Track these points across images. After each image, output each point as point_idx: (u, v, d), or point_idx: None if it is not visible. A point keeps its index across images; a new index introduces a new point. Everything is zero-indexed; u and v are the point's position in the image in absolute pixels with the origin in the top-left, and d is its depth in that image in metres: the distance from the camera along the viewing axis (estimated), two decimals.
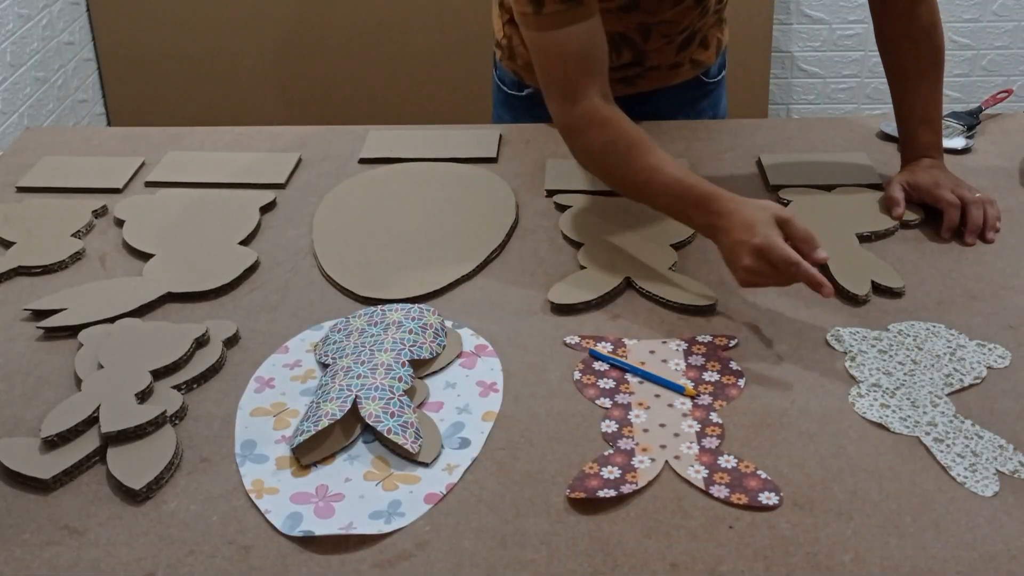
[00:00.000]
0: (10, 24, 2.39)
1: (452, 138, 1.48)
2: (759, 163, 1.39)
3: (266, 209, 1.32)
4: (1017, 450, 0.90)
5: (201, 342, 1.04)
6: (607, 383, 0.99)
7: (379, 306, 1.09)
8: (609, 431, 0.93)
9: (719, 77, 1.54)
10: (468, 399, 0.98)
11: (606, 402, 0.97)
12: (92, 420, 0.93)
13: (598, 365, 1.02)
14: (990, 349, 1.02)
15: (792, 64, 2.98)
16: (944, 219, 1.22)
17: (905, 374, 0.99)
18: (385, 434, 0.91)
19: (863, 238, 1.21)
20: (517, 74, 1.51)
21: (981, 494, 0.85)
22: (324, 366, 1.02)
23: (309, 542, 0.83)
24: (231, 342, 1.06)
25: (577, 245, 1.21)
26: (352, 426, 0.93)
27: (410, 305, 1.09)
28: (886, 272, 1.14)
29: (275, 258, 1.22)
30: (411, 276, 1.16)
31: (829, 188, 1.32)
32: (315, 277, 1.18)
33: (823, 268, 1.15)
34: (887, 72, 1.30)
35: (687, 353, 1.03)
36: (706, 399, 0.97)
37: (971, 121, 1.46)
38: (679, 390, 0.98)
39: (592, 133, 1.15)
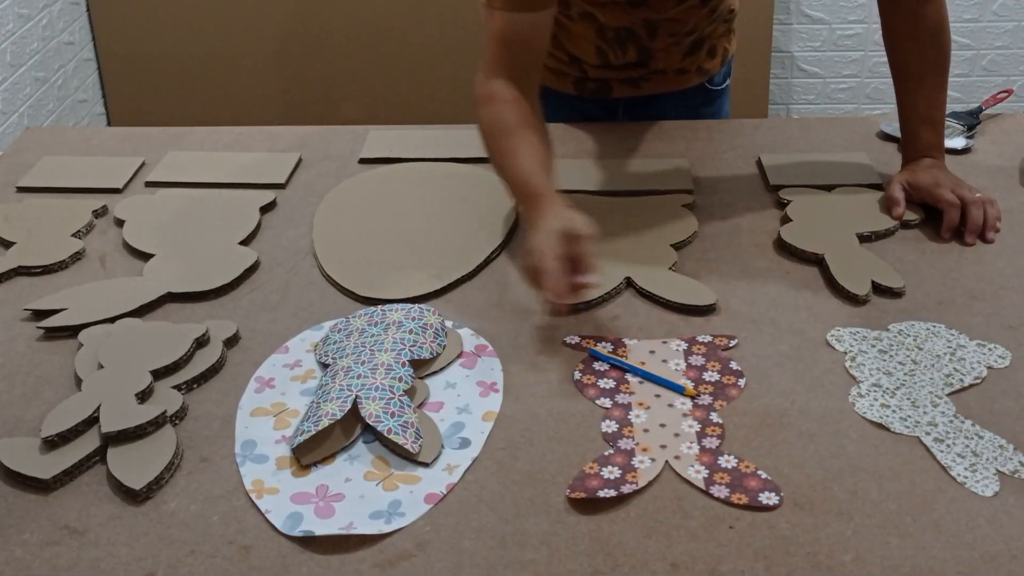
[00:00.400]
0: (10, 24, 2.39)
1: (452, 138, 1.48)
2: (759, 163, 1.39)
3: (266, 209, 1.32)
4: (1017, 450, 0.90)
5: (201, 342, 1.04)
6: (607, 383, 0.99)
7: (379, 306, 1.09)
8: (609, 431, 0.93)
9: (723, 85, 1.55)
10: (468, 399, 0.98)
11: (606, 402, 0.97)
12: (92, 420, 0.93)
13: (598, 365, 1.02)
14: (990, 349, 1.02)
15: (792, 64, 2.98)
16: (944, 219, 1.22)
17: (905, 374, 0.99)
18: (385, 434, 0.91)
19: (863, 238, 1.21)
20: None
21: (981, 494, 0.85)
22: (324, 366, 1.02)
23: (309, 542, 0.83)
24: (231, 342, 1.06)
25: None
26: (352, 426, 0.93)
27: (410, 305, 1.09)
28: (886, 272, 1.14)
29: (275, 258, 1.22)
30: (411, 276, 1.16)
31: (829, 188, 1.31)
32: (315, 277, 1.18)
33: (824, 269, 1.15)
34: (892, 71, 1.30)
35: (687, 353, 1.03)
36: (706, 399, 0.97)
37: (971, 121, 1.46)
38: (679, 390, 0.98)
39: (489, 107, 1.19)
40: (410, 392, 0.97)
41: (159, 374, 1.00)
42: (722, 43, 1.49)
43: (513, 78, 1.20)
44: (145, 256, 1.22)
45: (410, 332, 1.03)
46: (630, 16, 1.35)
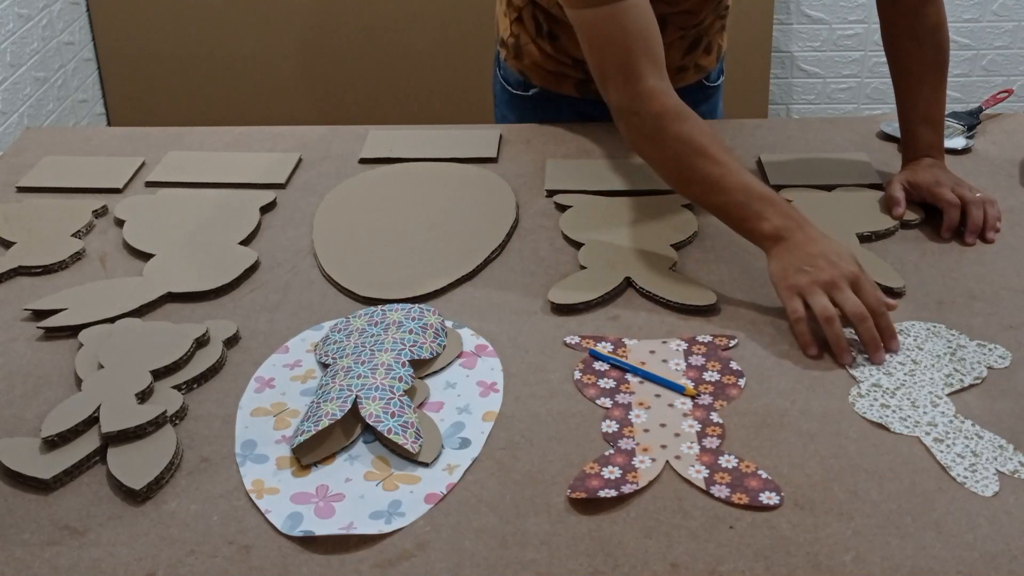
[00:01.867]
0: (10, 24, 2.39)
1: (452, 138, 1.48)
2: (759, 163, 1.39)
3: (266, 209, 1.32)
4: (1017, 450, 0.90)
5: (201, 342, 1.04)
6: (607, 383, 0.99)
7: (379, 306, 1.09)
8: (610, 431, 0.93)
9: (718, 82, 1.55)
10: (468, 399, 0.98)
11: (606, 402, 0.97)
12: (92, 420, 0.93)
13: (598, 365, 1.02)
14: (990, 349, 1.02)
15: (792, 64, 2.98)
16: (944, 219, 1.22)
17: (905, 374, 0.99)
18: (385, 434, 0.91)
19: (863, 238, 1.21)
20: (523, 73, 1.51)
21: (981, 494, 0.85)
22: (324, 366, 1.02)
23: (309, 542, 0.83)
24: (231, 342, 1.06)
25: (577, 245, 1.21)
26: (352, 426, 0.93)
27: (410, 305, 1.09)
28: (886, 272, 1.14)
29: (275, 258, 1.22)
30: (411, 276, 1.16)
31: (829, 188, 1.32)
32: (315, 277, 1.18)
33: None
34: (892, 71, 1.30)
35: (687, 353, 1.03)
36: (706, 399, 0.97)
37: (971, 121, 1.46)
38: (679, 390, 0.98)
39: (664, 121, 1.10)
40: (410, 392, 0.97)
41: (159, 374, 1.00)
42: (717, 39, 1.49)
43: (656, 76, 1.11)
44: (145, 256, 1.22)
45: (410, 332, 1.03)
46: None
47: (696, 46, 1.44)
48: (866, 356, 1.01)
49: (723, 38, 1.51)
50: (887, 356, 1.01)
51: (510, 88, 1.55)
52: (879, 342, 1.00)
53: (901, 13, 1.26)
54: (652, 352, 1.03)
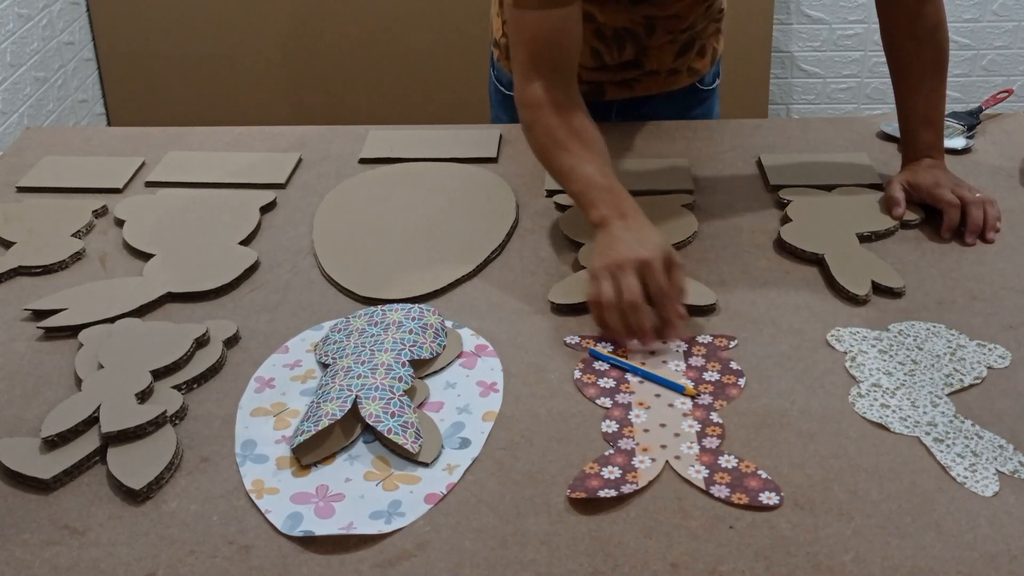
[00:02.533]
0: (10, 24, 2.39)
1: (452, 138, 1.48)
2: (759, 163, 1.39)
3: (266, 209, 1.32)
4: (1017, 450, 0.90)
5: (201, 342, 1.04)
6: (607, 383, 0.99)
7: (379, 306, 1.09)
8: (609, 431, 0.93)
9: (713, 85, 1.56)
10: (468, 399, 0.98)
11: (606, 402, 0.97)
12: (92, 420, 0.93)
13: (598, 365, 1.02)
14: (990, 349, 1.02)
15: (792, 64, 2.98)
16: (944, 219, 1.22)
17: (905, 374, 0.99)
18: (385, 434, 0.91)
19: (863, 238, 1.21)
20: None
21: (981, 494, 0.85)
22: (324, 366, 1.02)
23: (309, 542, 0.83)
24: (231, 342, 1.06)
25: (577, 245, 1.21)
26: (352, 426, 0.93)
27: (410, 305, 1.09)
28: (886, 272, 1.14)
29: (275, 258, 1.22)
30: (411, 276, 1.16)
31: (829, 188, 1.31)
32: (315, 277, 1.18)
33: (824, 269, 1.15)
34: (891, 72, 1.30)
35: (687, 353, 1.03)
36: (706, 399, 0.97)
37: (971, 121, 1.46)
38: (679, 390, 0.98)
39: (540, 112, 1.18)
40: (410, 392, 0.97)
41: (159, 374, 1.00)
42: (711, 43, 1.49)
43: (554, 79, 1.19)
44: (145, 256, 1.22)
45: (410, 332, 1.03)
46: (631, 14, 1.35)
47: (688, 49, 1.44)
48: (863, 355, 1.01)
49: (718, 41, 1.51)
50: (887, 356, 1.01)
51: (503, 89, 1.55)
52: (644, 331, 1.01)
53: (900, 13, 1.26)
54: (652, 352, 1.03)
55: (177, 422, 0.95)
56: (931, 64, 1.26)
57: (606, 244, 1.06)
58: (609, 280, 1.03)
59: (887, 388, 0.98)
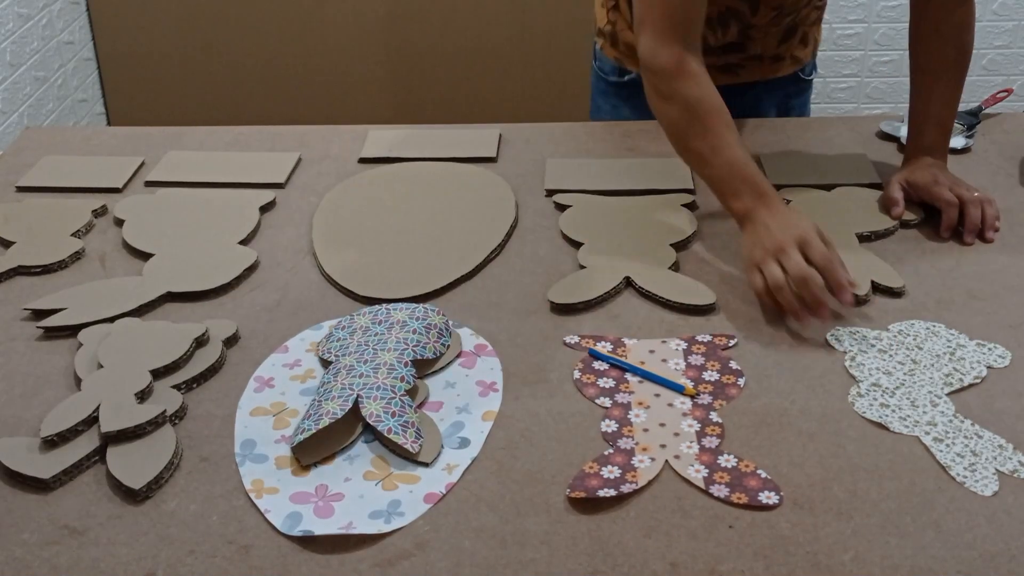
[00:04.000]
0: (10, 24, 2.39)
1: (452, 138, 1.48)
2: (759, 163, 1.39)
3: (266, 209, 1.32)
4: (1017, 450, 0.90)
5: (201, 342, 1.04)
6: (607, 382, 0.99)
7: (384, 305, 1.09)
8: (609, 430, 0.93)
9: (812, 76, 1.57)
10: (468, 399, 0.98)
11: (606, 401, 0.97)
12: (92, 420, 0.93)
13: (598, 364, 1.02)
14: (990, 349, 1.02)
15: None
16: (943, 218, 1.22)
17: (905, 374, 0.99)
18: (385, 434, 0.91)
19: (863, 238, 1.21)
20: (619, 60, 1.53)
21: (981, 494, 0.85)
22: (326, 363, 1.02)
23: (309, 542, 0.83)
24: (231, 342, 1.06)
25: (577, 245, 1.21)
26: (353, 425, 0.93)
27: (415, 305, 1.08)
28: (886, 272, 1.14)
29: (275, 258, 1.22)
30: (411, 276, 1.16)
31: (829, 188, 1.31)
32: (315, 277, 1.18)
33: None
34: (911, 67, 1.31)
35: (687, 352, 1.03)
36: (706, 398, 0.97)
37: (971, 121, 1.46)
38: (679, 389, 0.98)
39: (680, 82, 1.15)
40: (411, 392, 0.97)
41: (159, 374, 1.00)
42: (813, 32, 1.50)
43: (689, 44, 1.16)
44: (145, 256, 1.22)
45: (413, 332, 1.03)
46: None
47: (791, 35, 1.45)
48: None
49: (819, 31, 1.53)
50: (887, 355, 1.01)
51: (605, 76, 1.56)
52: (819, 300, 1.02)
53: (934, 9, 1.26)
54: (652, 351, 1.03)
55: (177, 422, 0.95)
56: (952, 64, 1.27)
57: (758, 234, 1.08)
58: (773, 264, 1.05)
59: (887, 388, 0.98)
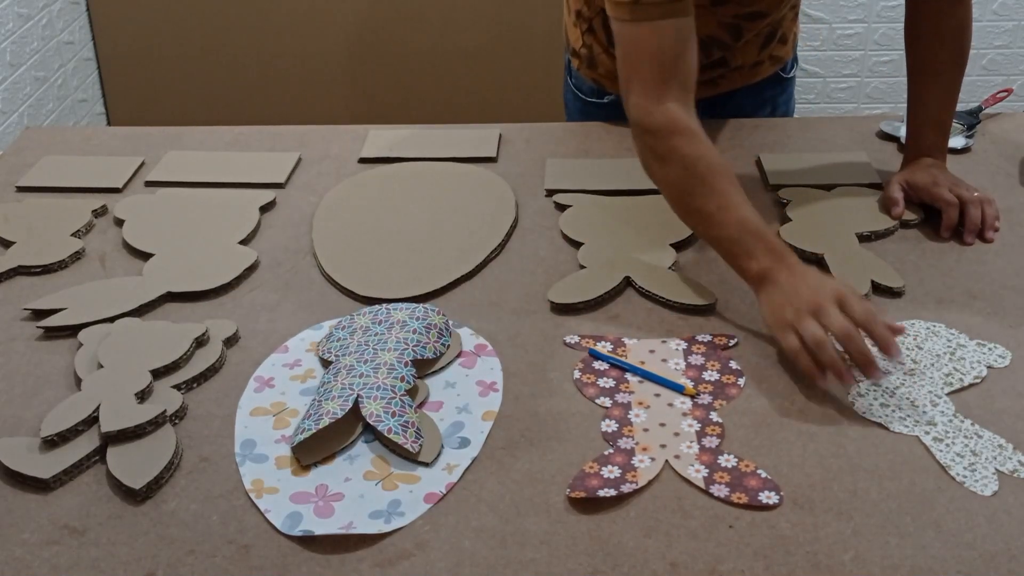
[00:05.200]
0: (10, 24, 2.39)
1: (452, 138, 1.48)
2: (759, 163, 1.39)
3: (266, 209, 1.32)
4: (1017, 449, 0.90)
5: (201, 342, 1.04)
6: (607, 382, 0.99)
7: (384, 305, 1.09)
8: (609, 430, 0.93)
9: (792, 73, 1.55)
10: (468, 399, 0.98)
11: (606, 401, 0.97)
12: (92, 420, 0.93)
13: (598, 364, 1.02)
14: (990, 349, 1.02)
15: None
16: (943, 218, 1.22)
17: (905, 373, 0.99)
18: (385, 434, 0.91)
19: (863, 238, 1.21)
20: (598, 82, 1.50)
21: (981, 493, 0.85)
22: (327, 363, 1.02)
23: (309, 542, 0.83)
24: (231, 342, 1.06)
25: (577, 245, 1.21)
26: (353, 425, 0.93)
27: (415, 305, 1.08)
28: (886, 272, 1.14)
29: (275, 258, 1.22)
30: (411, 275, 1.16)
31: (829, 188, 1.31)
32: (315, 277, 1.18)
33: (823, 269, 1.15)
34: (908, 67, 1.30)
35: (687, 352, 1.03)
36: (706, 398, 0.97)
37: (971, 121, 1.46)
38: (679, 389, 0.98)
39: (676, 141, 1.09)
40: (411, 392, 0.97)
41: (159, 374, 1.00)
42: (791, 28, 1.48)
43: (683, 99, 1.10)
44: (145, 256, 1.22)
45: (414, 332, 1.03)
46: (716, 17, 1.33)
47: (771, 39, 1.44)
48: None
49: (796, 25, 1.51)
50: (891, 364, 0.99)
51: (583, 96, 1.54)
52: (869, 358, 0.95)
53: (931, 8, 1.25)
54: (652, 351, 1.03)
55: (177, 422, 0.95)
56: (950, 64, 1.26)
57: (783, 296, 1.00)
58: (811, 321, 0.96)
59: (886, 388, 0.98)
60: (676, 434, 0.92)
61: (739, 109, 1.50)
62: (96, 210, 1.31)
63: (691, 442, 0.91)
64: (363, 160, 1.44)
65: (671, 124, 1.09)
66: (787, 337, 0.98)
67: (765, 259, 1.03)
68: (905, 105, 1.32)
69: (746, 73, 1.46)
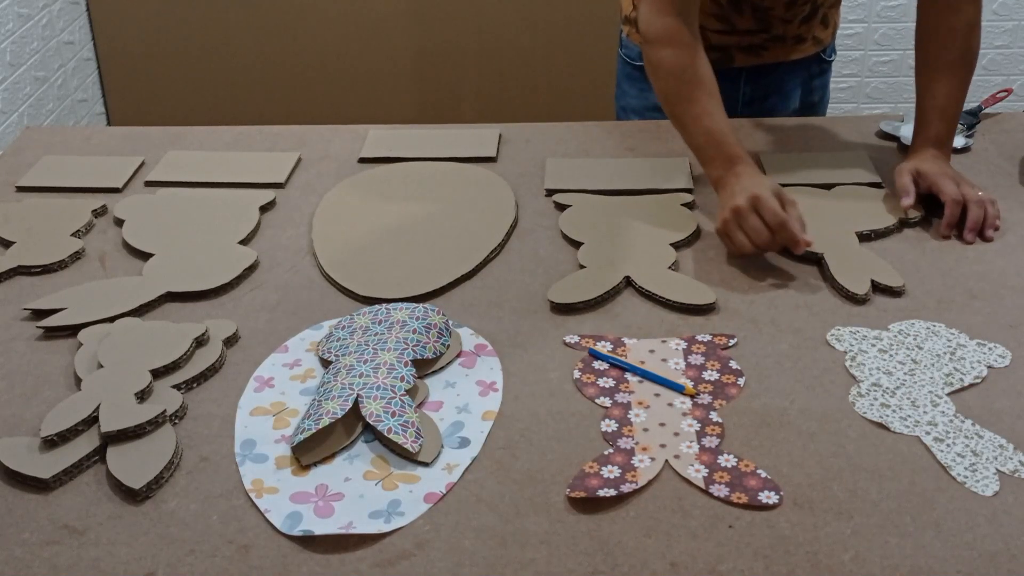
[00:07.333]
0: (10, 24, 2.39)
1: (452, 137, 1.48)
2: (759, 162, 1.39)
3: (266, 209, 1.32)
4: (1017, 450, 0.90)
5: (201, 342, 1.04)
6: (607, 382, 0.99)
7: (384, 304, 1.09)
8: (609, 430, 0.93)
9: (832, 59, 1.60)
10: (468, 398, 0.98)
11: (606, 401, 0.97)
12: (92, 419, 0.93)
13: (598, 364, 1.02)
14: (990, 349, 1.02)
15: None
16: (944, 214, 1.21)
17: (905, 373, 0.99)
18: (385, 433, 0.91)
19: (863, 237, 1.21)
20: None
21: (981, 494, 0.85)
22: (326, 363, 1.02)
23: (309, 541, 0.83)
24: (231, 342, 1.06)
25: (577, 245, 1.21)
26: (353, 425, 0.93)
27: (415, 304, 1.08)
28: (886, 271, 1.14)
29: (275, 258, 1.22)
30: (411, 275, 1.16)
31: (829, 187, 1.31)
32: (315, 277, 1.18)
33: (823, 268, 1.15)
34: (917, 65, 1.31)
35: (687, 352, 1.03)
36: (706, 398, 0.97)
37: (971, 120, 1.46)
38: (679, 389, 0.98)
39: (670, 51, 1.21)
40: (411, 392, 0.97)
41: (159, 373, 1.00)
42: (832, 14, 1.52)
43: (684, 16, 1.21)
44: (145, 256, 1.22)
45: (414, 332, 1.03)
46: None
47: (813, 16, 1.47)
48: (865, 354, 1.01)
49: (837, 14, 1.55)
50: (887, 355, 1.00)
51: (632, 61, 1.58)
52: (769, 248, 1.13)
53: (941, 8, 1.27)
54: (651, 351, 1.03)
55: (177, 421, 0.95)
56: (959, 59, 1.28)
57: (725, 198, 1.17)
58: (737, 233, 1.14)
59: (887, 387, 0.98)
60: (676, 434, 0.92)
61: (780, 83, 1.54)
62: (96, 210, 1.31)
63: (691, 442, 0.91)
64: (363, 160, 1.44)
65: (668, 35, 1.22)
66: (723, 240, 1.17)
67: (720, 167, 1.19)
68: (906, 105, 1.32)
69: (788, 46, 1.50)
